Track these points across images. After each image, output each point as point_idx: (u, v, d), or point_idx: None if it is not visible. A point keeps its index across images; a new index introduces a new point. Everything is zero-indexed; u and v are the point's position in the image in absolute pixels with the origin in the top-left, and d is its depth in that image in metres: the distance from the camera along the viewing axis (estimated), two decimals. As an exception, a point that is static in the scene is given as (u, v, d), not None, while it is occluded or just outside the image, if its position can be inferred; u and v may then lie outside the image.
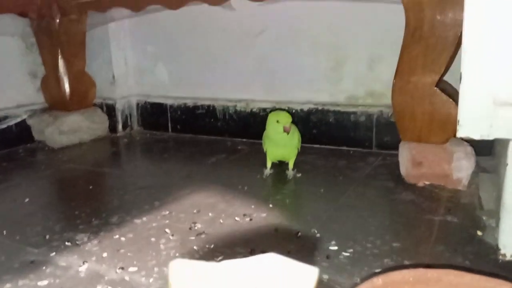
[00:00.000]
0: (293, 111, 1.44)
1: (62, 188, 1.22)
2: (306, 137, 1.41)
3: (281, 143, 1.10)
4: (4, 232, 0.88)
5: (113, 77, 1.69)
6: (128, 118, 1.76)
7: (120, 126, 1.73)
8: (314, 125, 1.43)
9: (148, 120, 1.77)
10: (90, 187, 1.16)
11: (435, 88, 0.99)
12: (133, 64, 1.74)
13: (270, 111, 1.15)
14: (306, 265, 0.30)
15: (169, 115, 1.71)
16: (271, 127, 1.08)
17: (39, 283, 0.69)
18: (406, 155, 1.04)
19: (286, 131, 1.04)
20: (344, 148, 1.39)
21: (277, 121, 1.05)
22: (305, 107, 1.44)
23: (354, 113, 1.37)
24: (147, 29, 1.68)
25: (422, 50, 0.98)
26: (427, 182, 1.03)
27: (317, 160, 1.29)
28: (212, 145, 1.52)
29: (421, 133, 1.02)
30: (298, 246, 0.78)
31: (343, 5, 1.31)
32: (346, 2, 1.28)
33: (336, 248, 0.76)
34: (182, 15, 1.41)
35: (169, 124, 1.71)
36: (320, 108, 1.42)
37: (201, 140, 1.61)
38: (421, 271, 0.41)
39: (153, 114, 1.74)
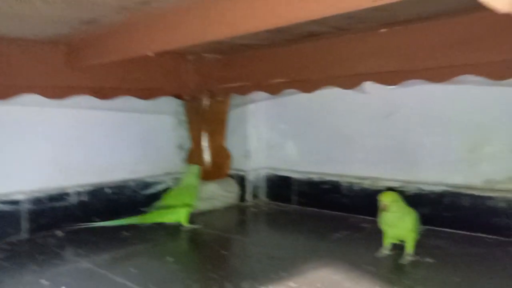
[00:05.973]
0: (423, 192, 1.41)
1: (197, 250, 1.35)
2: (437, 220, 1.36)
3: (388, 222, 1.10)
4: (150, 286, 1.00)
5: (247, 151, 1.85)
6: (257, 189, 1.88)
7: (249, 196, 1.86)
8: (445, 208, 1.37)
9: (274, 192, 1.87)
10: (222, 251, 1.26)
11: None
12: (265, 140, 1.89)
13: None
14: None
15: (294, 188, 1.78)
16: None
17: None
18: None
19: (382, 208, 1.07)
20: (479, 234, 1.30)
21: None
22: (437, 189, 1.39)
23: (492, 198, 1.28)
24: (280, 109, 1.83)
25: None
26: None
27: (449, 246, 1.22)
28: (335, 221, 1.54)
29: None
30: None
31: (482, 89, 1.28)
32: (485, 86, 1.26)
33: None
34: (313, 97, 1.53)
35: (294, 197, 1.79)
36: (453, 190, 1.36)
37: (325, 215, 1.64)
38: None
39: (280, 186, 1.84)
